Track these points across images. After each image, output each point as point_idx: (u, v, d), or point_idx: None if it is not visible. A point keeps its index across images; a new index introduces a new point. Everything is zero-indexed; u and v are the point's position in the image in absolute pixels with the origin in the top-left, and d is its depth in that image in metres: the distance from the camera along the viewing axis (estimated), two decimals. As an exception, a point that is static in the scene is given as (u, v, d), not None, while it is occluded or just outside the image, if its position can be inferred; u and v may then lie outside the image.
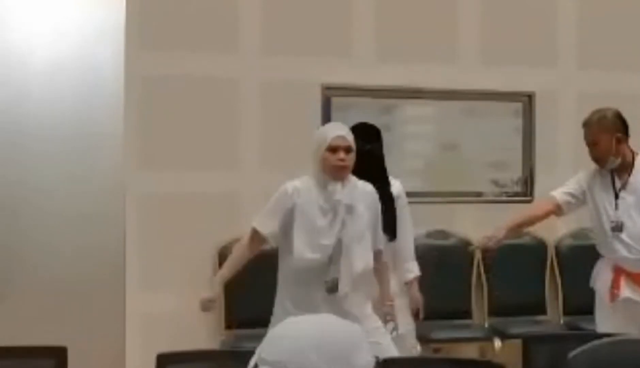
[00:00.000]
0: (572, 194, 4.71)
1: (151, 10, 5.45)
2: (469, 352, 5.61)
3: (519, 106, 6.11)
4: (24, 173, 5.35)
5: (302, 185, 3.92)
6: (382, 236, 4.09)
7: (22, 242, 5.34)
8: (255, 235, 3.98)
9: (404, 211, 4.67)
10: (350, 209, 3.87)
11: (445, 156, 5.69)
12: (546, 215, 4.82)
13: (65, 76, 5.39)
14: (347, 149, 3.86)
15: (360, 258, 3.88)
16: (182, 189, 5.47)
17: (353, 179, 3.95)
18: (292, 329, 1.99)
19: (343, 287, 3.84)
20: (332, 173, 3.85)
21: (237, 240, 5.51)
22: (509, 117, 6.13)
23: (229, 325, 5.42)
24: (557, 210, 4.76)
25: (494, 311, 5.85)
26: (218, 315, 5.46)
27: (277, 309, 4.04)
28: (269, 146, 5.57)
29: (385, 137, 5.51)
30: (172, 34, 5.47)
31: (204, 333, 5.42)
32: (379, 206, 4.04)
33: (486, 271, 5.91)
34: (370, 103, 5.86)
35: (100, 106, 5.42)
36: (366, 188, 4.01)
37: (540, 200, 4.90)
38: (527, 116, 6.11)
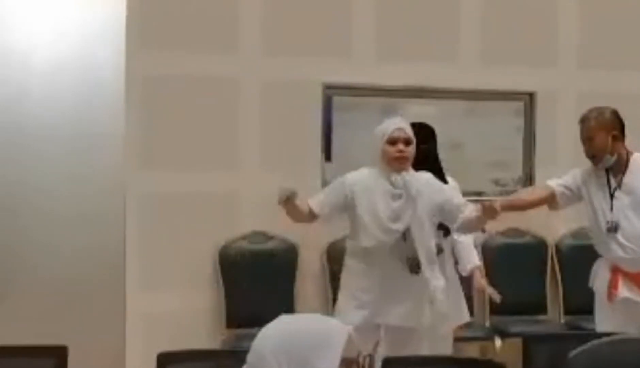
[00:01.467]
0: (567, 187, 4.69)
1: (152, 10, 5.44)
2: (470, 351, 5.61)
3: (519, 105, 6.11)
4: (24, 173, 5.35)
5: (360, 175, 4.15)
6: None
7: (23, 242, 5.34)
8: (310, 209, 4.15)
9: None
10: (418, 193, 4.07)
11: (446, 156, 5.65)
12: (540, 202, 4.79)
13: (66, 75, 5.40)
14: (406, 141, 4.09)
15: (431, 238, 4.15)
16: (182, 189, 5.46)
17: (411, 170, 4.15)
18: (264, 329, 2.00)
19: (423, 266, 4.08)
20: (392, 164, 4.07)
21: (237, 240, 5.54)
22: (510, 117, 6.12)
23: (229, 325, 5.42)
24: (551, 199, 4.72)
25: (494, 311, 5.84)
26: (218, 314, 5.46)
27: (343, 295, 4.22)
28: (269, 146, 5.57)
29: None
30: (172, 34, 5.47)
31: (204, 333, 5.42)
32: (442, 192, 4.21)
33: (487, 271, 5.90)
34: (371, 103, 5.86)
35: (100, 106, 5.42)
36: (426, 176, 4.20)
37: (535, 187, 4.91)
38: (527, 115, 6.11)
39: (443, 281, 4.26)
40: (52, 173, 5.37)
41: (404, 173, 4.10)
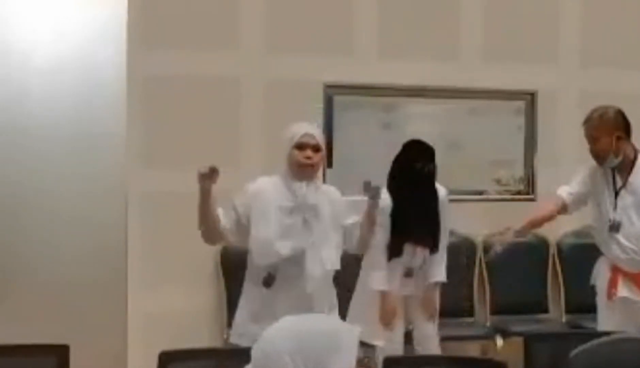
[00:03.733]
0: (578, 193, 4.69)
1: (153, 9, 5.45)
2: (471, 350, 5.61)
3: (521, 104, 6.11)
4: (25, 173, 5.36)
5: (260, 185, 3.87)
6: (354, 234, 3.98)
7: (24, 241, 5.34)
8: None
9: (445, 217, 4.84)
10: (314, 209, 3.81)
11: (447, 155, 5.66)
12: (553, 216, 4.81)
13: (67, 75, 5.40)
14: (315, 148, 3.81)
15: (326, 259, 3.82)
16: (184, 189, 5.43)
17: (319, 181, 3.92)
18: (274, 329, 2.00)
19: (308, 287, 3.78)
20: (298, 170, 3.80)
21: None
22: (511, 116, 6.12)
23: (231, 324, 5.40)
24: (564, 210, 4.76)
25: (495, 310, 5.85)
26: (220, 313, 5.47)
27: (239, 311, 3.98)
28: (271, 144, 5.56)
29: (387, 135, 5.55)
30: (173, 34, 5.47)
31: (206, 332, 5.43)
32: (342, 204, 3.97)
33: (488, 270, 5.91)
34: (372, 102, 5.86)
35: (101, 106, 5.43)
36: (329, 189, 3.97)
37: (546, 201, 4.87)
38: (529, 114, 6.11)
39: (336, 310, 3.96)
40: (54, 172, 5.37)
41: (304, 184, 3.81)
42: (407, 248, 4.78)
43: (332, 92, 5.76)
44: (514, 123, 6.11)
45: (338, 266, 3.89)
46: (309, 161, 3.79)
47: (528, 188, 6.11)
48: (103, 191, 5.40)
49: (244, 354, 2.22)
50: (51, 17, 5.40)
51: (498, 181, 6.08)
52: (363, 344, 1.96)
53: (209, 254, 5.48)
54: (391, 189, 4.76)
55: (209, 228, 3.82)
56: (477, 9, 5.98)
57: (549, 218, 4.83)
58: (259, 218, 3.79)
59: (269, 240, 3.76)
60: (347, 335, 1.95)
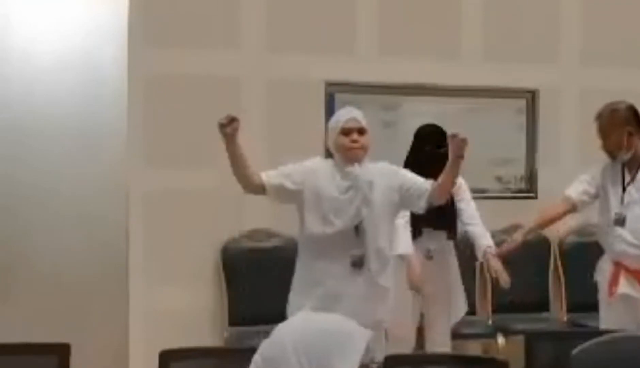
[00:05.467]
0: (587, 192, 4.69)
1: (154, 8, 5.45)
2: (473, 348, 5.61)
3: (522, 102, 6.11)
4: (27, 171, 5.35)
5: (316, 164, 3.97)
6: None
7: (26, 240, 5.34)
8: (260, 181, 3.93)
9: (466, 198, 4.92)
10: (370, 185, 3.89)
11: (448, 153, 5.66)
12: (563, 216, 4.81)
13: (68, 74, 5.40)
14: (360, 131, 3.92)
15: (385, 234, 3.93)
16: (185, 187, 5.47)
17: (367, 162, 3.98)
18: (285, 324, 2.00)
19: (369, 263, 3.88)
20: (347, 154, 3.90)
21: (240, 237, 5.54)
22: (512, 114, 6.12)
23: (232, 322, 5.42)
24: (573, 210, 4.75)
25: (497, 308, 5.85)
26: (221, 311, 5.47)
27: (292, 291, 4.03)
28: (272, 143, 5.57)
29: (389, 133, 5.56)
30: (175, 32, 5.47)
31: (207, 330, 5.43)
32: (399, 175, 4.05)
33: (489, 269, 5.90)
34: (373, 100, 5.86)
35: (103, 104, 5.42)
36: (382, 165, 4.03)
37: (555, 202, 4.85)
38: (530, 112, 6.11)
39: (391, 284, 4.05)
40: (55, 171, 5.37)
41: (357, 165, 3.91)
42: (426, 231, 4.84)
43: (333, 91, 5.76)
44: (515, 122, 6.11)
45: (387, 251, 3.97)
46: (356, 144, 3.90)
47: (529, 186, 6.11)
48: (104, 190, 5.40)
49: (246, 353, 2.22)
50: (52, 16, 5.40)
51: (499, 180, 6.08)
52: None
53: (211, 252, 5.49)
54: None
55: (241, 176, 3.90)
56: (477, 7, 5.98)
57: (559, 218, 4.83)
58: (315, 193, 3.89)
59: (325, 213, 3.85)
60: (356, 337, 1.96)
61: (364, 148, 3.94)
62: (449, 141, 3.91)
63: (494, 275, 4.84)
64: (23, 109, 5.34)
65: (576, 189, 4.71)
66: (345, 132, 3.90)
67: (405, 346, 4.80)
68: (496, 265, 4.80)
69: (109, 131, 5.39)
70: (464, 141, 3.88)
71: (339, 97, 5.79)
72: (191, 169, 5.50)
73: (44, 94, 5.37)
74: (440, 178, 4.01)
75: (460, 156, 3.94)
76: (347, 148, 3.90)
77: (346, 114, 3.97)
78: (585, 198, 4.70)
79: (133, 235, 5.39)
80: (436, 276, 4.91)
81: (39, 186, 5.34)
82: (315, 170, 3.94)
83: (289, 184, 3.90)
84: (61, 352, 3.12)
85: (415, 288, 4.78)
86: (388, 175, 3.99)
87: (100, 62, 5.43)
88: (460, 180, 4.93)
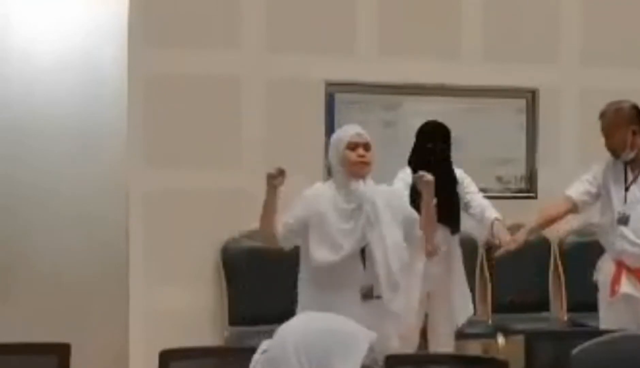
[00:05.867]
0: (588, 192, 4.68)
1: (154, 8, 5.44)
2: (473, 348, 5.61)
3: (522, 102, 6.11)
4: (27, 171, 5.36)
5: (317, 191, 3.93)
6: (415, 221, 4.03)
7: (26, 239, 5.35)
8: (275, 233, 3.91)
9: (471, 188, 4.99)
10: (374, 205, 3.84)
11: (448, 152, 5.66)
12: (564, 215, 4.80)
13: (68, 74, 5.40)
14: (366, 147, 3.90)
15: (395, 256, 3.85)
16: (185, 187, 5.47)
17: (371, 182, 3.95)
18: (286, 327, 2.00)
19: (379, 291, 3.83)
20: (353, 169, 3.87)
21: (240, 237, 5.54)
22: (513, 114, 6.12)
23: (232, 322, 5.42)
24: (574, 210, 4.75)
25: (497, 308, 5.85)
26: (221, 311, 5.47)
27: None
28: (272, 143, 5.57)
29: (389, 133, 5.56)
30: (175, 32, 5.47)
31: (207, 330, 5.43)
32: (403, 198, 4.09)
33: (490, 268, 5.91)
34: (373, 99, 5.86)
35: (103, 104, 5.43)
36: (385, 187, 4.02)
37: (556, 201, 4.84)
38: (530, 112, 6.10)
39: (403, 305, 4.00)
40: (55, 171, 5.38)
41: (361, 182, 3.87)
42: None
43: (333, 90, 5.76)
44: (516, 121, 6.11)
45: (407, 260, 3.93)
46: (363, 159, 3.87)
47: (529, 185, 6.11)
48: (104, 190, 5.41)
49: (246, 353, 2.22)
50: (52, 16, 5.40)
51: (499, 179, 6.08)
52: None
53: (211, 252, 5.49)
54: (410, 167, 4.90)
55: (265, 228, 3.89)
56: (478, 7, 5.98)
57: (560, 217, 4.82)
58: (319, 220, 3.84)
59: (330, 236, 3.80)
60: (358, 338, 1.95)
61: (369, 164, 3.91)
62: (417, 183, 3.94)
63: (498, 243, 4.87)
64: (23, 109, 5.34)
65: (577, 190, 4.70)
66: (352, 146, 3.87)
67: (410, 346, 4.81)
68: (504, 237, 4.80)
69: (109, 131, 5.39)
70: (429, 184, 3.91)
71: (339, 97, 5.79)
72: (191, 169, 5.50)
73: (44, 94, 5.37)
74: (421, 226, 4.02)
75: (428, 195, 3.96)
76: (354, 163, 3.87)
77: (352, 129, 3.95)
78: (586, 198, 4.69)
79: (133, 234, 5.39)
80: (441, 275, 4.91)
81: (39, 186, 5.34)
82: (316, 196, 3.90)
83: (300, 225, 3.86)
84: (61, 351, 3.12)
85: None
86: (393, 200, 3.97)
87: (100, 62, 5.43)
88: (462, 175, 4.97)
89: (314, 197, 3.90)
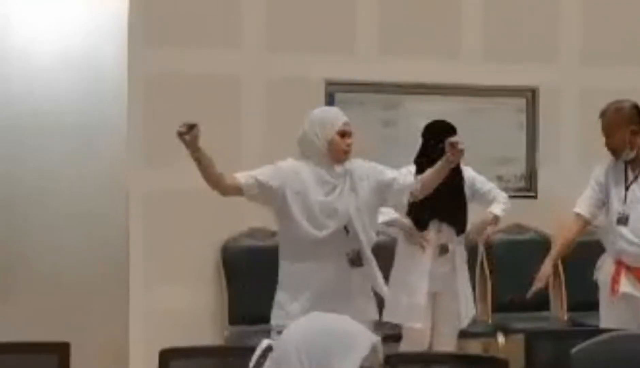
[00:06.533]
0: (595, 203, 4.67)
1: (154, 7, 5.45)
2: (473, 347, 5.61)
3: (522, 101, 6.11)
4: (27, 171, 5.35)
5: (293, 165, 3.96)
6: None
7: (26, 239, 5.34)
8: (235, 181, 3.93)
9: (485, 185, 5.06)
10: (354, 182, 3.95)
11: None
12: (580, 234, 4.80)
13: (68, 73, 5.40)
14: (350, 135, 3.98)
15: (373, 228, 4.00)
16: (185, 186, 5.45)
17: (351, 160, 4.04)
18: (291, 327, 2.00)
19: (366, 256, 3.93)
20: (339, 156, 3.94)
21: (240, 236, 5.54)
22: (513, 113, 6.12)
23: (232, 321, 5.42)
24: (587, 224, 4.75)
25: (497, 307, 5.85)
26: (221, 310, 5.47)
27: (278, 293, 4.02)
28: (272, 142, 5.57)
29: (389, 132, 5.55)
30: (175, 31, 5.47)
31: (207, 329, 5.43)
32: (377, 170, 4.10)
33: (490, 267, 5.91)
34: (373, 99, 5.86)
35: (103, 103, 5.42)
36: (361, 163, 4.06)
37: (568, 222, 4.84)
38: (530, 111, 6.11)
39: (380, 275, 4.09)
40: (55, 170, 5.37)
41: (341, 165, 3.96)
42: (433, 224, 4.90)
43: (333, 90, 5.76)
44: (516, 120, 6.11)
45: (373, 242, 4.03)
46: (349, 148, 3.96)
47: (529, 184, 6.11)
48: (104, 189, 5.40)
49: (245, 352, 2.22)
50: (52, 15, 5.40)
51: (500, 178, 6.07)
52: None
53: (211, 251, 5.49)
54: (417, 165, 4.90)
55: (214, 181, 3.93)
56: (478, 6, 5.98)
57: (576, 238, 4.80)
58: (300, 196, 3.89)
59: (316, 215, 3.86)
60: (360, 339, 1.95)
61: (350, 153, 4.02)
62: (447, 147, 3.97)
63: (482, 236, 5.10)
64: (23, 108, 5.34)
65: (585, 204, 4.69)
66: (342, 133, 3.94)
67: (419, 346, 4.82)
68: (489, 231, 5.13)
69: (109, 131, 5.39)
70: (461, 152, 3.97)
71: (339, 96, 5.79)
72: (191, 168, 5.47)
73: (44, 93, 5.36)
74: (427, 176, 4.11)
75: (453, 163, 4.04)
76: (344, 151, 3.94)
77: (342, 117, 4.00)
78: (595, 209, 4.69)
79: (133, 234, 5.39)
80: (447, 276, 4.92)
81: (38, 185, 5.34)
82: (295, 172, 3.93)
83: (271, 182, 3.89)
84: (61, 351, 3.12)
85: (419, 243, 4.86)
86: (368, 172, 4.04)
87: (100, 62, 5.43)
88: (471, 173, 5.00)
89: (291, 170, 3.93)
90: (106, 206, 5.40)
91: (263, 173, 3.93)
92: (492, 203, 5.05)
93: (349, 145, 3.95)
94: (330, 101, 5.74)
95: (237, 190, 3.94)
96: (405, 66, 5.77)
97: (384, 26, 5.81)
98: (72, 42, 5.39)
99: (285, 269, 4.01)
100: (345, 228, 3.90)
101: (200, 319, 5.44)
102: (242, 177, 3.92)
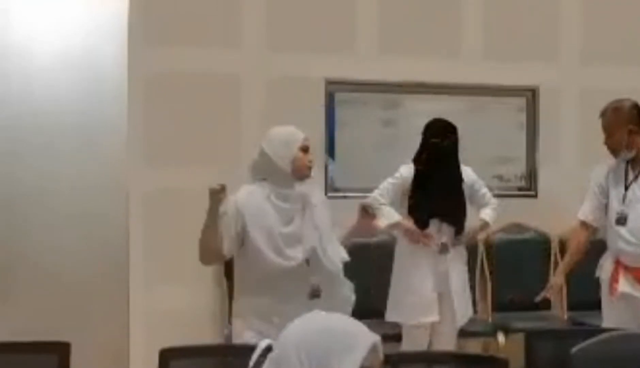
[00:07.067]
0: (599, 206, 4.66)
1: (154, 7, 5.45)
2: (473, 346, 5.61)
3: (522, 101, 6.11)
4: (27, 170, 5.36)
5: (248, 195, 3.84)
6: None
7: (26, 238, 5.34)
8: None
9: (483, 189, 5.14)
10: (310, 202, 3.86)
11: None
12: (587, 240, 4.78)
13: (69, 72, 5.40)
14: (309, 151, 3.90)
15: (336, 253, 3.86)
16: (185, 186, 5.46)
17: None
18: (293, 324, 2.00)
19: (327, 288, 3.80)
20: (303, 172, 3.85)
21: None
22: (513, 113, 6.12)
23: (231, 320, 5.41)
24: (594, 231, 4.76)
25: (498, 307, 5.85)
26: (222, 309, 5.47)
27: (237, 322, 3.93)
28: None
29: (389, 131, 5.55)
30: (175, 30, 5.47)
31: (208, 328, 5.43)
32: (322, 193, 4.14)
33: (490, 267, 5.91)
34: (373, 98, 5.86)
35: (103, 103, 5.42)
36: (314, 184, 4.01)
37: (574, 230, 4.84)
38: (530, 111, 6.11)
39: (352, 296, 3.94)
40: (55, 170, 5.37)
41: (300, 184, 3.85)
42: (433, 223, 4.92)
43: (333, 89, 5.77)
44: (516, 120, 6.11)
45: (347, 258, 3.92)
46: (311, 164, 3.88)
47: (529, 184, 6.11)
48: (104, 189, 5.40)
49: (245, 351, 2.22)
50: (53, 14, 5.40)
51: (500, 178, 6.08)
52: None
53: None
54: (416, 164, 4.96)
55: (208, 245, 3.83)
56: (478, 5, 5.98)
57: (585, 245, 4.78)
58: (258, 221, 3.78)
59: (277, 246, 3.75)
60: (361, 339, 1.95)
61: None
62: (359, 215, 3.90)
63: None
64: (23, 107, 5.34)
65: (588, 210, 4.69)
66: (304, 149, 3.85)
67: (420, 346, 4.82)
68: (473, 236, 5.22)
69: (109, 130, 5.39)
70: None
71: (339, 96, 5.79)
72: (191, 167, 5.50)
73: (44, 92, 5.37)
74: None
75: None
76: (307, 167, 3.85)
77: (300, 133, 3.90)
78: (598, 214, 4.67)
79: (133, 233, 5.39)
80: (447, 275, 4.93)
81: (38, 184, 5.34)
82: (249, 197, 3.82)
83: (238, 227, 3.78)
84: (61, 350, 3.12)
85: (417, 241, 4.88)
86: (318, 195, 3.98)
87: (100, 61, 5.43)
88: (471, 173, 5.05)
89: (246, 198, 3.82)
90: (106, 205, 5.40)
91: (230, 227, 3.79)
92: (483, 207, 5.10)
93: (311, 161, 3.86)
94: (330, 100, 5.75)
95: (220, 258, 3.91)
96: (406, 65, 5.77)
97: (384, 25, 5.81)
98: (72, 42, 5.39)
99: (243, 303, 3.90)
100: (307, 260, 3.77)
101: (201, 318, 5.44)
102: (227, 245, 3.80)
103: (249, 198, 3.82)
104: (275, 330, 3.63)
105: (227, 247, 3.79)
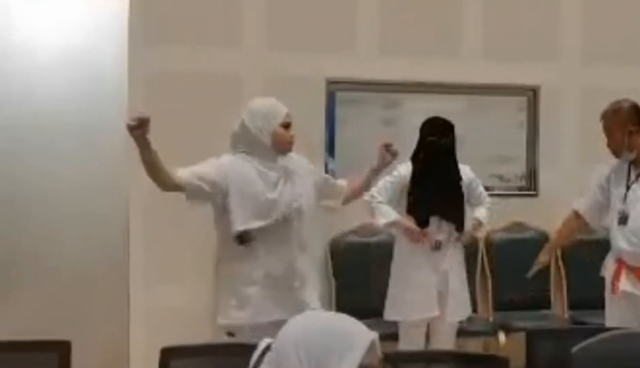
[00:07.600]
0: (596, 206, 4.70)
1: (154, 6, 5.45)
2: (474, 346, 5.61)
3: (523, 100, 6.11)
4: (28, 169, 5.36)
5: (234, 159, 3.90)
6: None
7: (27, 237, 5.35)
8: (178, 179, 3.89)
9: (478, 186, 5.16)
10: (291, 174, 3.93)
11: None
12: (577, 229, 4.90)
13: (69, 72, 5.41)
14: (291, 126, 3.97)
15: (315, 225, 4.02)
16: (186, 185, 5.46)
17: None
18: (290, 323, 2.00)
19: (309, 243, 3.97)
20: (284, 147, 3.91)
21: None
22: (513, 112, 6.12)
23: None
24: (585, 224, 4.82)
25: (498, 306, 5.85)
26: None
27: (221, 296, 3.99)
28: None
29: (389, 131, 5.55)
30: (175, 30, 5.47)
31: (208, 327, 5.42)
32: (314, 170, 4.16)
33: (490, 266, 5.91)
34: (374, 97, 5.86)
35: (103, 102, 5.43)
36: (293, 155, 4.03)
37: (567, 218, 4.89)
38: (531, 110, 6.10)
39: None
40: (56, 169, 5.38)
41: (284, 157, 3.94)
42: (433, 221, 4.94)
43: (334, 88, 5.77)
44: (516, 119, 6.11)
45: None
46: (292, 139, 3.94)
47: (530, 183, 6.11)
48: (104, 188, 5.41)
49: (245, 350, 2.22)
50: (53, 14, 5.40)
51: (500, 177, 6.08)
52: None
53: (210, 249, 5.47)
54: (414, 162, 4.98)
55: (158, 177, 3.88)
56: (478, 5, 5.98)
57: (573, 232, 4.91)
58: (243, 188, 3.83)
59: (258, 204, 3.82)
60: (360, 337, 1.95)
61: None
62: (381, 149, 4.07)
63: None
64: (24, 107, 5.35)
65: (584, 206, 4.76)
66: (285, 125, 3.91)
67: (416, 345, 4.83)
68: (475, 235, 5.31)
69: (110, 129, 5.39)
70: (395, 155, 4.09)
71: (339, 95, 5.79)
72: (191, 167, 5.48)
73: (45, 92, 5.37)
74: (356, 182, 4.17)
75: (387, 165, 4.16)
76: (289, 142, 3.91)
77: (283, 108, 3.96)
78: (593, 212, 4.71)
79: (133, 232, 5.39)
80: (442, 274, 4.93)
81: (39, 184, 5.35)
82: (237, 167, 3.87)
83: (216, 177, 3.83)
84: (62, 349, 3.12)
85: (417, 240, 4.88)
86: (305, 167, 4.04)
87: (100, 61, 5.43)
88: (469, 172, 5.08)
89: (232, 165, 3.87)
90: (106, 204, 5.40)
91: (205, 169, 3.86)
92: (478, 206, 5.14)
93: (292, 136, 3.92)
94: (331, 99, 5.75)
95: (178, 188, 3.90)
96: (406, 64, 5.77)
97: (385, 25, 5.81)
98: (73, 41, 5.39)
99: (226, 270, 3.96)
100: (288, 219, 3.86)
101: (201, 317, 5.43)
102: (184, 174, 3.85)
103: (234, 165, 3.87)
104: (262, 297, 3.80)
105: (189, 182, 3.85)
